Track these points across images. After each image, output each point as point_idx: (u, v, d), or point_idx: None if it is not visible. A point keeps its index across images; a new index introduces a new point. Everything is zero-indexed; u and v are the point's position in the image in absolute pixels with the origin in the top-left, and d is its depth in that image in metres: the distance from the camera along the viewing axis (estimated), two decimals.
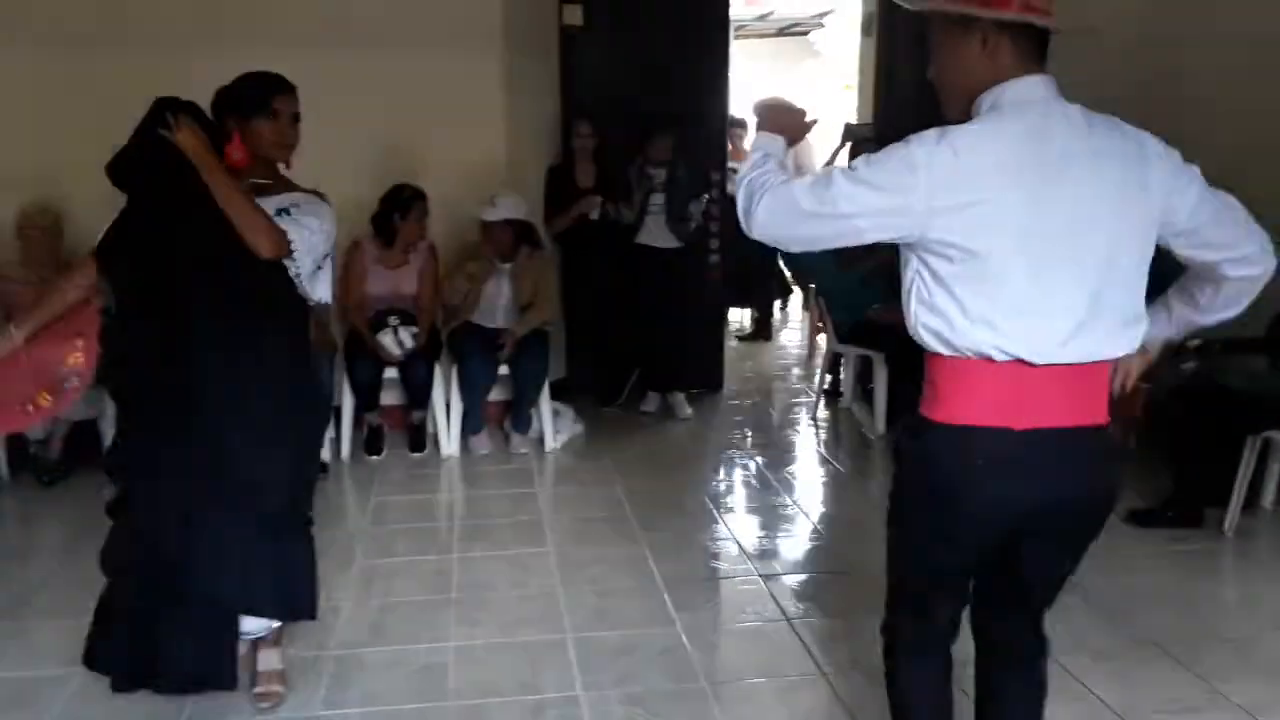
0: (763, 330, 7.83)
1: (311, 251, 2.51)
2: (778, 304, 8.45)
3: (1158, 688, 2.77)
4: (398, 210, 4.73)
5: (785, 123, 1.90)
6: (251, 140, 2.48)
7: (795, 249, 1.81)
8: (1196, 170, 1.75)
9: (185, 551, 2.40)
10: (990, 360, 1.67)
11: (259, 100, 2.49)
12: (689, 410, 5.57)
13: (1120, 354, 1.74)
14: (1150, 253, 1.74)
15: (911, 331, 1.76)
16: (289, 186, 2.59)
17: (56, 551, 3.62)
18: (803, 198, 1.69)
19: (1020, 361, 1.66)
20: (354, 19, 4.89)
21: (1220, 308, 1.84)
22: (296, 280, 2.50)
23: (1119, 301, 1.70)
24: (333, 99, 4.86)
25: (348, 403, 4.83)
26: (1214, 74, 4.97)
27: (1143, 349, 1.86)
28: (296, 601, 2.61)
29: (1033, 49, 1.70)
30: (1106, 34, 5.47)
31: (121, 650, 2.47)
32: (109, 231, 2.45)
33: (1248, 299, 1.82)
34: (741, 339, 7.79)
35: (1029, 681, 2.02)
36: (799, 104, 1.96)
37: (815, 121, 1.99)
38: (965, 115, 1.74)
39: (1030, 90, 1.69)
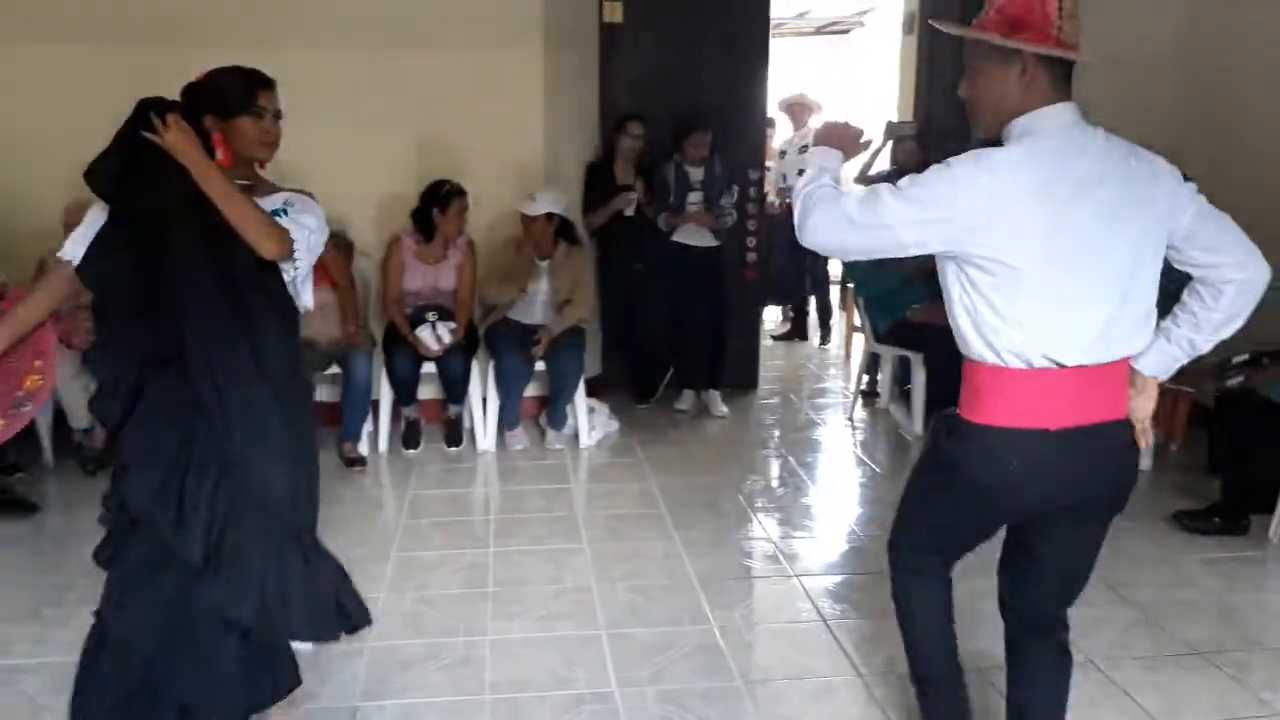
0: (798, 329, 7.79)
1: (311, 252, 2.34)
2: (812, 301, 8.40)
3: (1203, 697, 2.73)
4: (437, 205, 4.76)
5: (841, 139, 2.09)
6: (234, 139, 2.28)
7: (846, 258, 2.08)
8: (1194, 187, 1.93)
9: (200, 575, 2.21)
10: (1029, 366, 1.85)
11: (243, 97, 2.28)
12: (724, 409, 5.56)
13: (1136, 350, 1.94)
14: (1161, 261, 1.92)
15: (957, 336, 1.96)
16: (271, 186, 2.42)
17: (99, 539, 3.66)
18: (854, 211, 1.87)
19: (1053, 364, 1.84)
20: (394, 17, 4.92)
21: (1220, 321, 1.94)
22: (291, 285, 2.33)
23: (1136, 305, 1.89)
24: (373, 97, 4.94)
25: (386, 397, 4.87)
26: (1257, 91, 4.97)
27: (1148, 392, 2.01)
28: (320, 623, 2.40)
29: (1061, 77, 1.88)
30: (1152, 55, 5.48)
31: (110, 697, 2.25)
32: (91, 245, 2.24)
33: (1246, 309, 1.94)
34: (776, 338, 7.75)
35: (1053, 649, 2.17)
36: (856, 123, 2.14)
37: (870, 141, 2.18)
38: (995, 134, 1.93)
39: (1059, 117, 1.87)
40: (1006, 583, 2.19)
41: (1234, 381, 3.99)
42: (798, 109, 7.48)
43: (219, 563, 2.21)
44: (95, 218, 2.28)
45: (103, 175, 2.23)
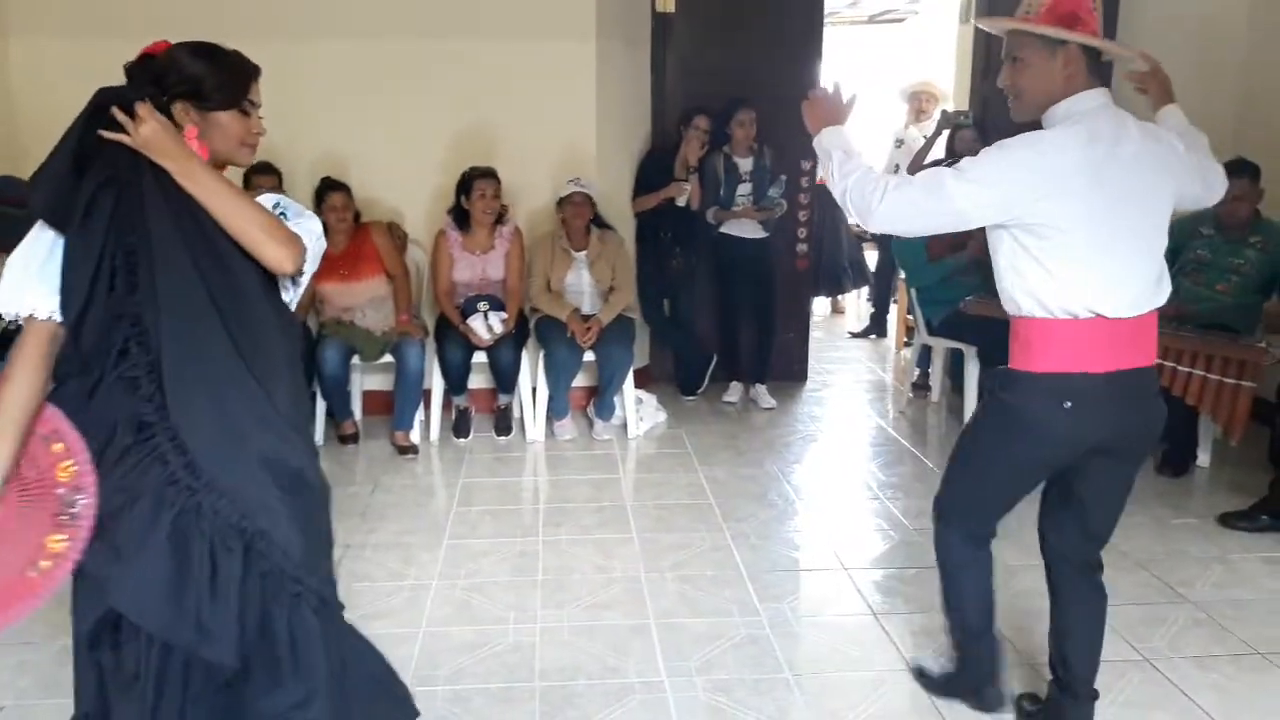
0: (876, 325, 7.44)
1: (314, 262, 1.91)
2: (864, 295, 8.29)
3: (1260, 698, 2.68)
4: (463, 192, 4.82)
5: (828, 112, 2.29)
6: (213, 138, 1.82)
7: (912, 235, 2.21)
8: (1181, 147, 2.21)
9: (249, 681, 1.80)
10: (1075, 318, 2.08)
11: (236, 89, 1.83)
12: (772, 401, 5.54)
13: (1160, 304, 2.16)
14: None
15: (1006, 298, 2.19)
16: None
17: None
18: (920, 197, 2.08)
19: (1098, 317, 2.08)
20: (446, 7, 4.96)
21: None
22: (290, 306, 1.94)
23: (1159, 264, 2.15)
24: (427, 88, 4.98)
25: (437, 386, 4.93)
26: None
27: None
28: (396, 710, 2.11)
29: (1095, 66, 2.13)
30: (1214, 47, 5.36)
31: None
32: (65, 277, 1.69)
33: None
34: (855, 335, 7.50)
35: (1091, 587, 2.39)
36: (832, 91, 2.32)
37: (855, 97, 2.33)
38: (1035, 119, 2.15)
39: (1095, 100, 2.10)
40: (1050, 527, 2.39)
41: None
42: (923, 98, 6.89)
43: (274, 659, 1.79)
44: (34, 242, 1.74)
45: (44, 192, 1.70)
